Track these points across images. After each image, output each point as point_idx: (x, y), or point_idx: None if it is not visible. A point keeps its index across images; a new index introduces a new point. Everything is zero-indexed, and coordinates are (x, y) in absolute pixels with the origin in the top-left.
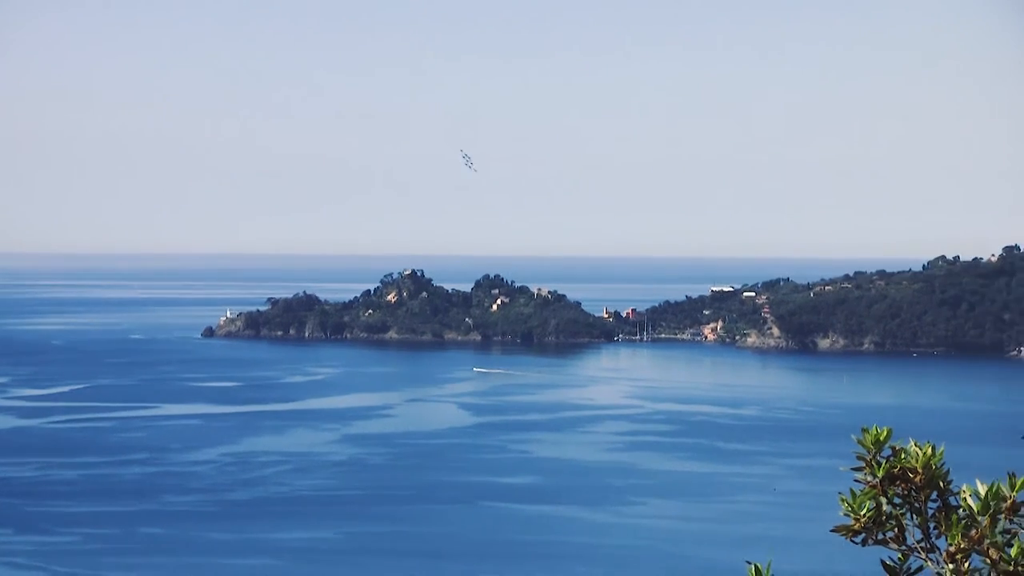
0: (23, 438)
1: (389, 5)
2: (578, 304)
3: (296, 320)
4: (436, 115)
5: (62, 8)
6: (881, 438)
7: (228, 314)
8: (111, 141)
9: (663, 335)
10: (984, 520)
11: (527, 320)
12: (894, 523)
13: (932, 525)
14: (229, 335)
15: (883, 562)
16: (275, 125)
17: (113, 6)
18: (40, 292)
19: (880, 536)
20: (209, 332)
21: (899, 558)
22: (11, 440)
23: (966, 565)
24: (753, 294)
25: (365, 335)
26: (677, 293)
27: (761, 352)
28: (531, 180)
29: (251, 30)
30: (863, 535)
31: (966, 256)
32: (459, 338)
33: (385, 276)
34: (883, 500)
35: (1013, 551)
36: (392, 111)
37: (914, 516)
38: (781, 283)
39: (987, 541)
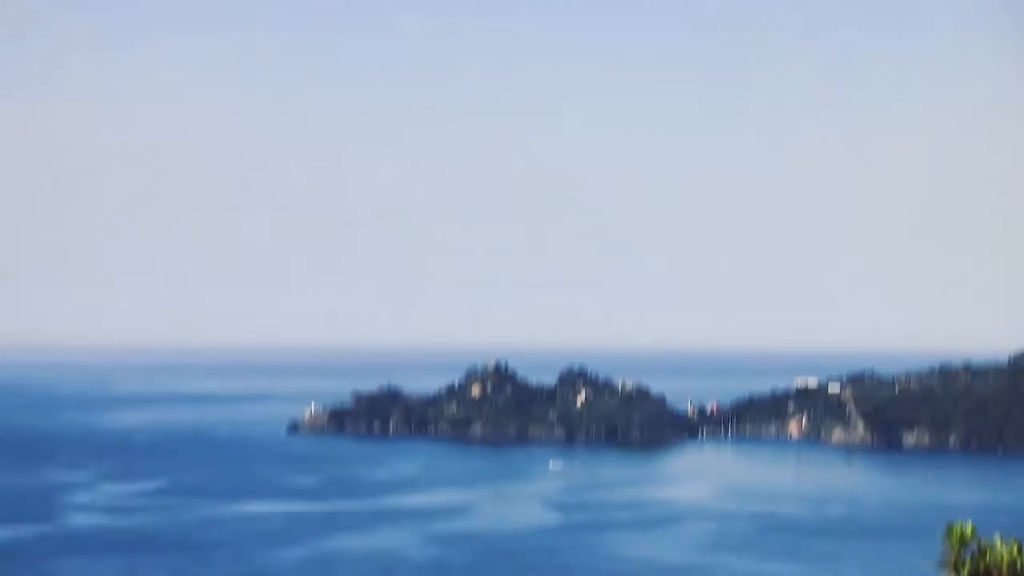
0: (108, 535)
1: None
2: (662, 399)
3: (380, 415)
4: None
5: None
6: (966, 536)
7: (313, 409)
8: (193, 236)
9: (748, 431)
10: None
11: (612, 415)
12: None
13: None
14: (313, 430)
15: None
16: (355, 218)
17: None
18: (124, 387)
19: None
20: (294, 427)
21: None
22: (96, 537)
23: None
24: (838, 389)
25: (449, 429)
26: (762, 387)
27: (846, 448)
28: (616, 271)
29: (326, 133)
30: None
31: None
32: (544, 433)
33: (470, 370)
34: None
35: None
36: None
37: None
38: (866, 377)
39: None
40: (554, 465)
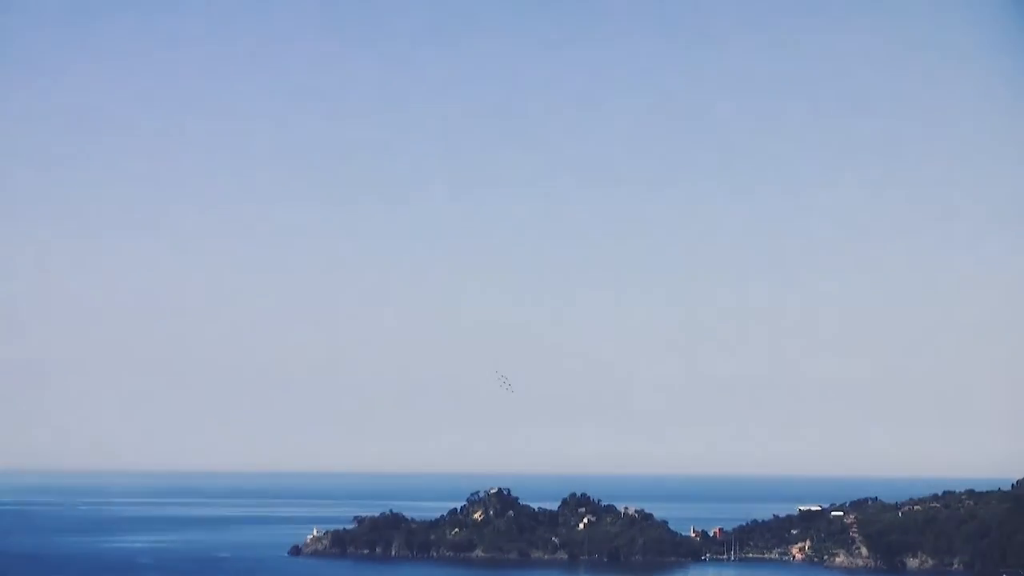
0: None
1: None
2: (665, 523)
3: (382, 538)
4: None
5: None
6: None
7: (315, 532)
8: (190, 359)
9: (751, 554)
10: None
11: (614, 539)
12: None
13: None
14: (316, 553)
15: None
16: (354, 345)
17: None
18: (126, 510)
19: None
20: (296, 550)
21: None
22: None
23: None
24: (841, 513)
25: (451, 553)
26: (764, 512)
27: (850, 572)
28: (614, 397)
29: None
30: None
31: None
32: (545, 557)
33: (471, 494)
34: None
35: None
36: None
37: None
38: (869, 502)
39: None
40: None
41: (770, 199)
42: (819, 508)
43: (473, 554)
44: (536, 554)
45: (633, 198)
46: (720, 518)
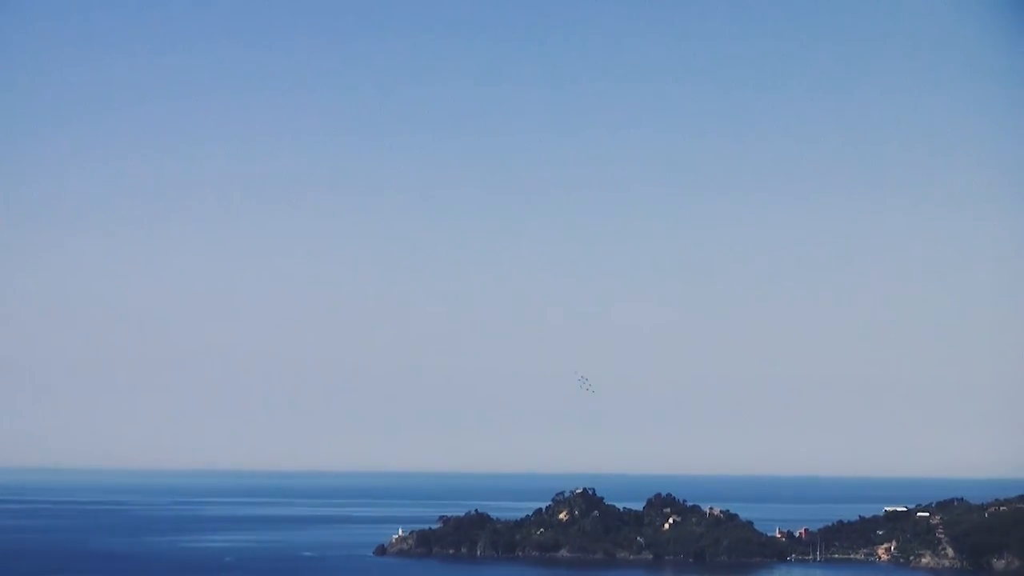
0: None
1: None
2: (750, 523)
3: (468, 538)
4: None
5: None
6: None
7: (400, 532)
8: (274, 358)
9: (836, 555)
10: None
11: (699, 539)
12: None
13: None
14: (401, 553)
15: None
16: (436, 345)
17: None
18: (211, 510)
19: None
20: (381, 550)
21: None
22: None
23: None
24: (927, 514)
25: (537, 554)
26: (850, 513)
27: (936, 573)
28: (702, 397)
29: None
30: None
31: None
32: (631, 557)
33: (557, 494)
34: None
35: None
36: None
37: None
38: (955, 503)
39: None
40: None
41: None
42: (905, 509)
43: (558, 554)
44: (621, 554)
45: (705, 197)
46: (805, 519)
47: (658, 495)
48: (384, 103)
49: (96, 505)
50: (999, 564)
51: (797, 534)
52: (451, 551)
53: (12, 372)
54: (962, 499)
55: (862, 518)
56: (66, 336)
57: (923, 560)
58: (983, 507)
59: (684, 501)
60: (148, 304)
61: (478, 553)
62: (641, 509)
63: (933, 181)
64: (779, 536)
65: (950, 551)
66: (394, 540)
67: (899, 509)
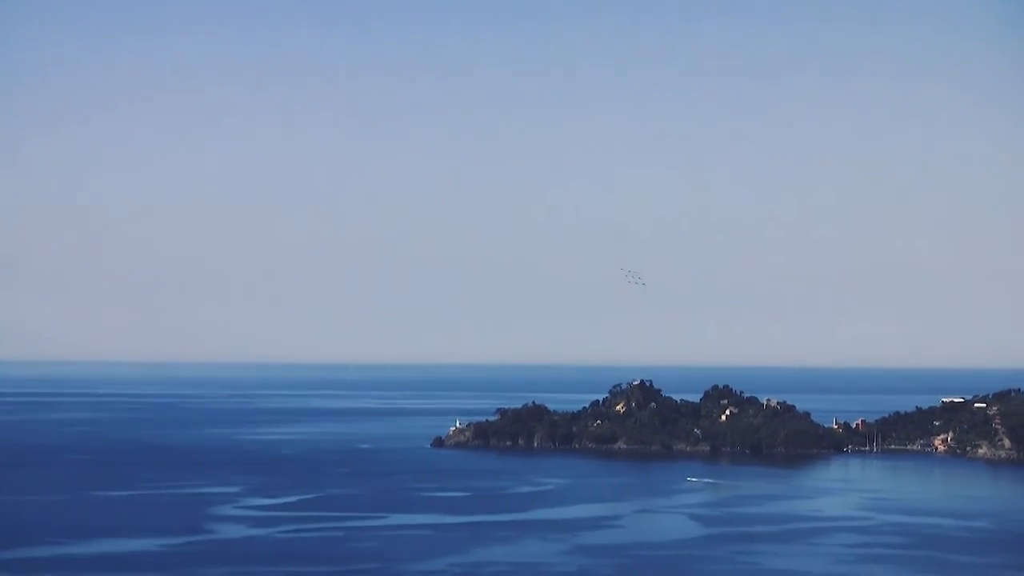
0: (253, 547)
1: None
2: (807, 415)
3: (524, 430)
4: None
5: None
6: None
7: (457, 424)
8: (338, 253)
9: (893, 446)
10: None
11: (756, 431)
12: None
13: None
14: (458, 445)
15: None
16: (492, 239)
17: None
18: (270, 402)
19: None
20: (439, 442)
21: None
22: (241, 549)
23: None
24: (984, 405)
25: (593, 445)
26: (907, 404)
27: (992, 464)
28: (760, 290)
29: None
30: None
31: None
32: (688, 449)
33: (614, 386)
34: None
35: None
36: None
37: None
38: (1012, 394)
39: None
40: (694, 480)
41: None
42: (962, 400)
43: (615, 446)
44: (678, 446)
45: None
46: (862, 410)
47: (715, 387)
48: None
49: (156, 399)
50: None
51: (854, 425)
52: (508, 443)
53: (83, 269)
54: (1019, 390)
55: (919, 409)
56: (134, 235)
57: (980, 451)
58: None
59: (741, 393)
60: (215, 195)
61: (535, 445)
62: (698, 401)
63: None
64: (836, 427)
65: (1007, 442)
66: (451, 432)
67: (956, 400)
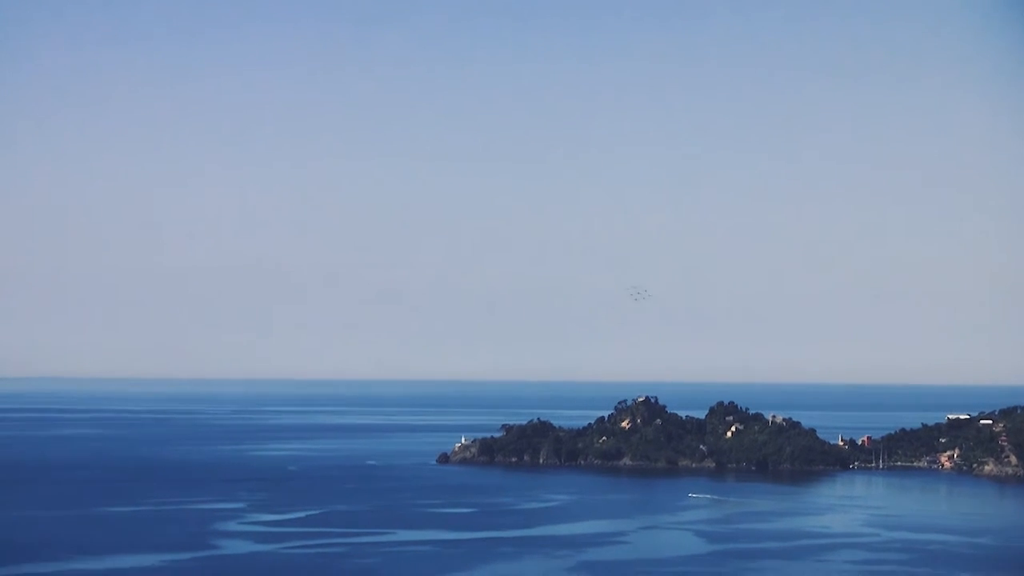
0: (258, 563)
1: None
2: (813, 431)
3: (530, 447)
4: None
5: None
6: None
7: (463, 440)
8: (343, 271)
9: (899, 463)
10: None
11: (761, 447)
12: None
13: None
14: (463, 461)
15: None
16: (495, 256)
17: None
18: (277, 418)
19: None
20: (444, 458)
21: None
22: (247, 565)
23: None
24: (990, 422)
25: (599, 462)
26: (913, 421)
27: (998, 480)
28: (764, 308)
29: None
30: None
31: None
32: (693, 465)
33: (619, 403)
34: None
35: None
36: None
37: None
38: (1018, 410)
39: None
40: (696, 496)
41: None
42: (968, 417)
43: (621, 462)
44: (684, 462)
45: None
46: (868, 427)
47: (720, 403)
48: None
49: (166, 415)
50: None
51: (860, 442)
52: (513, 459)
53: (90, 287)
54: None
55: (925, 426)
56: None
57: (986, 467)
58: None
59: (746, 409)
60: (221, 211)
61: (540, 461)
62: (703, 417)
63: None
64: (841, 444)
65: (1013, 458)
66: (457, 448)
67: (962, 417)
